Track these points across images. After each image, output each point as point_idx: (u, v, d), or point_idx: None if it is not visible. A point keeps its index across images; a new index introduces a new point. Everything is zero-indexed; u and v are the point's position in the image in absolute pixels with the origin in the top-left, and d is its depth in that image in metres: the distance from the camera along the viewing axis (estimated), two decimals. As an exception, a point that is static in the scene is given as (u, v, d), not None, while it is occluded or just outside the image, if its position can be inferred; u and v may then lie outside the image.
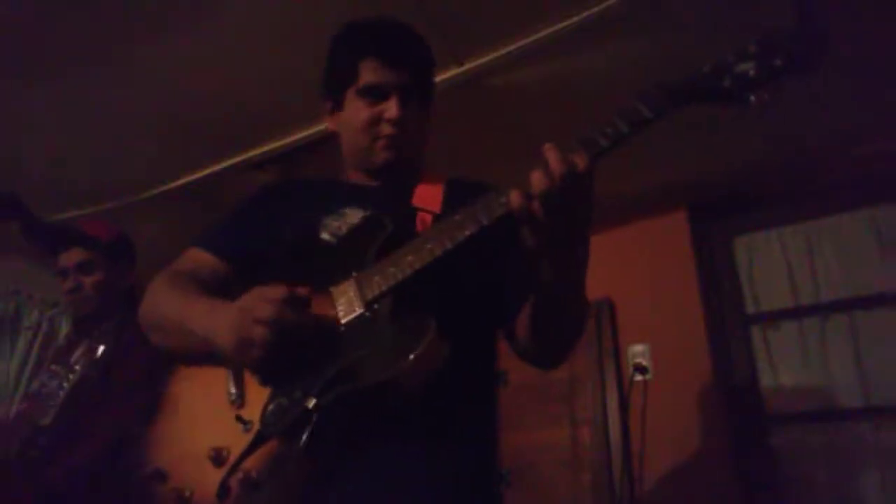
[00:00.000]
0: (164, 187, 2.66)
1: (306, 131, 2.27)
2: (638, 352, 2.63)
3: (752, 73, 0.84)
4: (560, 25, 1.87)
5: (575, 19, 1.84)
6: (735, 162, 2.58)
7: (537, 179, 0.81)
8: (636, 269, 2.80)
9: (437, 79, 2.03)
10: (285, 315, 0.88)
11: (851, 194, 2.56)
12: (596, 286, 2.66)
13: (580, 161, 0.82)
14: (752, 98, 0.84)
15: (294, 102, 2.05)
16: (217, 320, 0.94)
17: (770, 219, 2.71)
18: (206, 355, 0.97)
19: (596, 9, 1.81)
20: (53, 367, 1.99)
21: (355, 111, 1.19)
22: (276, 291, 0.90)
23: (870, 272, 2.46)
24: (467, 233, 0.92)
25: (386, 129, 1.17)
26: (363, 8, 1.27)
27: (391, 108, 1.16)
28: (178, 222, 2.62)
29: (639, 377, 2.54)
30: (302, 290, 0.92)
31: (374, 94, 1.18)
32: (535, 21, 1.89)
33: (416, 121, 1.22)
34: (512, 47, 1.96)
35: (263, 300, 0.89)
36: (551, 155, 0.81)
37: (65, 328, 3.37)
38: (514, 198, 0.84)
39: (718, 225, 2.82)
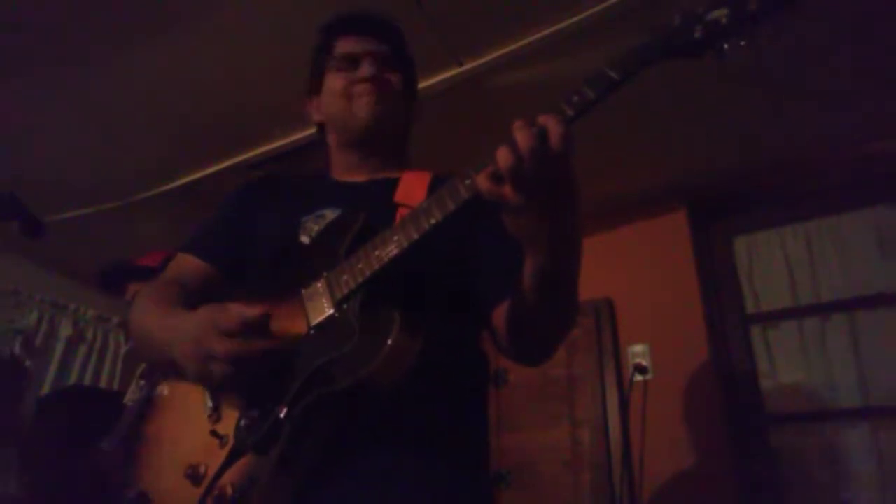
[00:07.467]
0: (164, 187, 2.67)
1: (306, 131, 2.27)
2: (638, 352, 2.63)
3: (725, 20, 0.78)
4: (560, 26, 1.87)
5: (574, 20, 1.85)
6: (735, 162, 2.59)
7: (503, 155, 0.76)
8: (636, 269, 2.80)
9: (437, 79, 2.05)
10: (240, 348, 0.83)
11: (851, 194, 2.55)
12: (596, 286, 2.71)
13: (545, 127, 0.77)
14: (727, 47, 0.79)
15: (294, 102, 2.06)
16: (177, 344, 0.90)
17: (770, 219, 2.71)
18: (176, 371, 0.94)
19: (595, 9, 1.81)
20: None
21: (332, 83, 1.22)
22: (230, 320, 0.84)
23: (870, 272, 2.46)
24: (433, 220, 0.87)
25: (360, 87, 1.19)
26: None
27: (363, 69, 1.19)
28: (178, 222, 2.63)
29: (639, 377, 2.54)
30: (254, 312, 0.86)
31: (347, 63, 1.21)
32: (534, 21, 1.89)
33: (395, 86, 1.23)
34: (512, 47, 1.96)
35: (217, 331, 0.84)
36: (518, 129, 0.77)
37: (65, 328, 3.38)
38: (480, 178, 0.80)
39: (718, 225, 2.82)
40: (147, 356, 1.08)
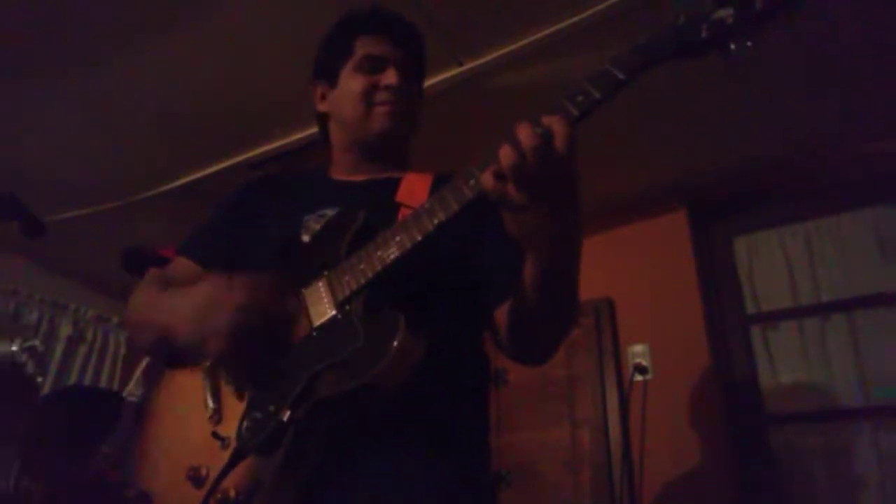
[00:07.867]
0: (164, 187, 2.67)
1: (306, 131, 2.27)
2: (638, 352, 2.63)
3: (731, 20, 0.77)
4: (560, 26, 1.87)
5: (574, 20, 1.85)
6: (735, 162, 2.59)
7: (505, 153, 0.76)
8: (636, 269, 2.80)
9: (437, 79, 2.05)
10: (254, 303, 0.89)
11: (851, 194, 2.55)
12: (596, 286, 2.71)
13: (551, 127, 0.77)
14: (733, 47, 0.77)
15: (294, 102, 2.06)
16: (179, 306, 0.94)
17: (770, 219, 2.71)
18: (173, 348, 0.95)
19: (595, 9, 1.81)
20: None
21: (352, 83, 1.19)
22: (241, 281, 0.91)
23: (870, 272, 2.45)
24: (436, 221, 0.86)
25: (383, 96, 1.17)
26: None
27: (389, 76, 1.17)
28: (178, 222, 2.62)
29: (639, 377, 2.54)
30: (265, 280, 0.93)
31: (372, 65, 1.19)
32: (534, 21, 1.89)
33: (411, 97, 1.22)
34: (512, 47, 1.96)
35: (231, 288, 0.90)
36: (521, 128, 0.76)
37: (65, 328, 3.38)
38: (485, 178, 0.79)
39: (718, 225, 2.81)
40: (138, 336, 1.07)
